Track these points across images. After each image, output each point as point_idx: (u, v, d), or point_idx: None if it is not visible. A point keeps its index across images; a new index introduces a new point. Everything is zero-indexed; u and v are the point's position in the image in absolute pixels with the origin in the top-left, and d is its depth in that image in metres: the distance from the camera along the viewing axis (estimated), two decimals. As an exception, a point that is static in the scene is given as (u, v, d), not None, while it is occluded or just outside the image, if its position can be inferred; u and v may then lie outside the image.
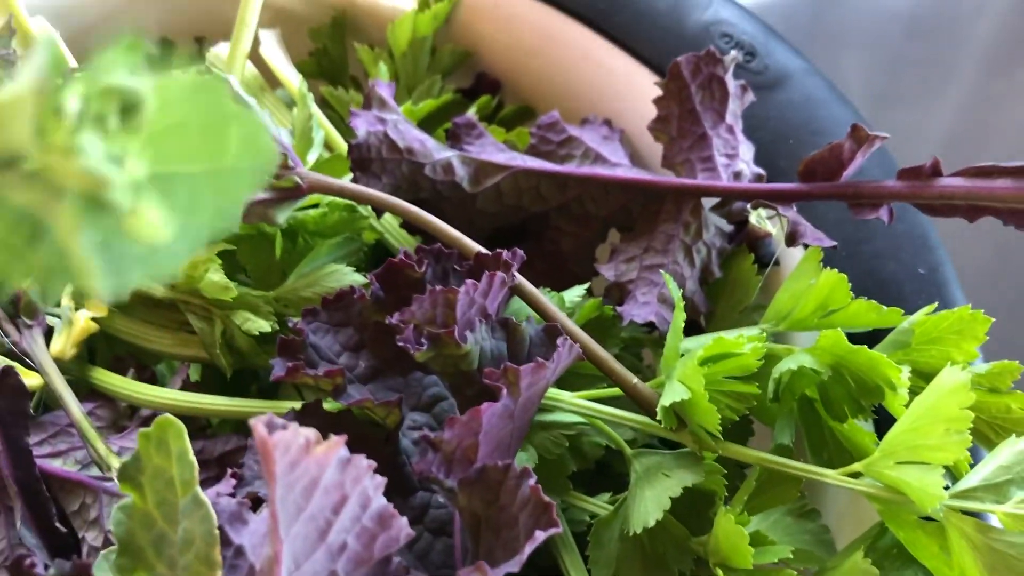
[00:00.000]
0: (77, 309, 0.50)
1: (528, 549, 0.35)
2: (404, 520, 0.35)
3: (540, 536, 0.35)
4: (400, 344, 0.41)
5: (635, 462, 0.44)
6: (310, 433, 0.34)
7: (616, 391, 0.45)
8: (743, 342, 0.39)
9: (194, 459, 0.33)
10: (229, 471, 0.43)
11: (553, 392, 0.45)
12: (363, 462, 0.35)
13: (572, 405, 0.45)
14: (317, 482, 0.35)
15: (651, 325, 0.48)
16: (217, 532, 0.33)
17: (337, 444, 0.34)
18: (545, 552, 0.46)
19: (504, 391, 0.38)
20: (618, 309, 0.48)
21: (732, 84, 0.51)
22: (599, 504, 0.46)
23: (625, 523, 0.42)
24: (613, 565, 0.42)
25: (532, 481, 0.36)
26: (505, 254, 0.44)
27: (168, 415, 0.33)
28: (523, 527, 0.37)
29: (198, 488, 0.33)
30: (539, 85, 0.61)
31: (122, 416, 0.50)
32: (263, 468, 0.34)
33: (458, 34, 0.62)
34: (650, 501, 0.41)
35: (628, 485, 0.44)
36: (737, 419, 0.42)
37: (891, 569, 0.41)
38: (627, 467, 0.45)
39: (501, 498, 0.38)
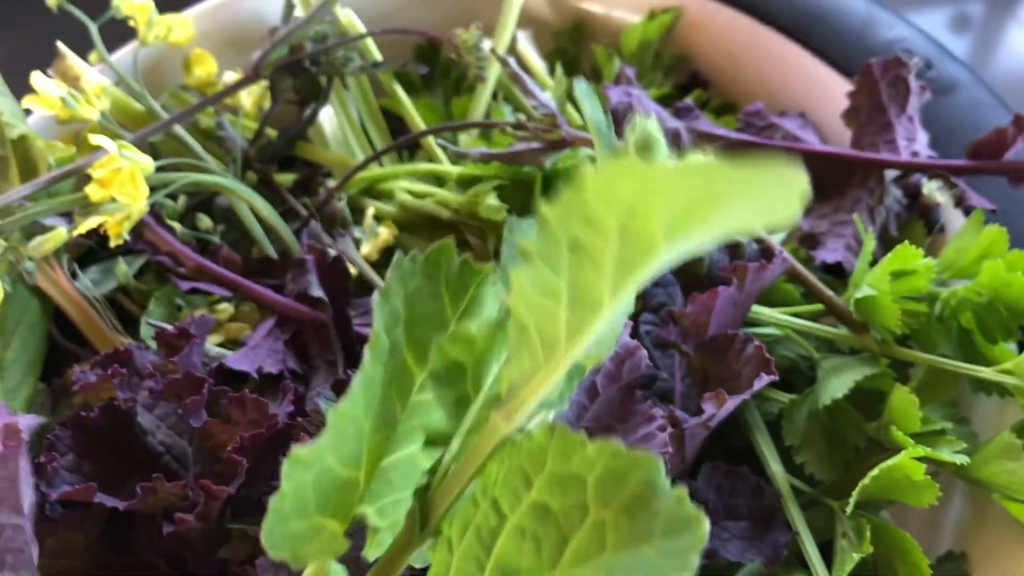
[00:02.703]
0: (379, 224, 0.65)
1: (754, 389, 0.47)
2: (644, 353, 0.48)
3: (764, 379, 0.47)
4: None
5: (822, 363, 0.55)
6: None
7: (807, 308, 0.56)
8: (920, 255, 0.50)
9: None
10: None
11: (756, 308, 0.57)
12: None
13: (772, 318, 0.57)
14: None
15: (838, 267, 0.59)
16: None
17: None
18: (737, 435, 0.57)
19: (734, 282, 0.51)
20: (811, 253, 0.60)
21: (914, 84, 0.63)
22: (788, 397, 0.57)
23: (813, 402, 0.53)
24: (801, 437, 0.53)
25: (756, 343, 0.49)
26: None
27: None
28: (746, 377, 0.49)
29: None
30: (743, 86, 0.74)
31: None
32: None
33: (678, 40, 0.76)
34: (835, 383, 0.52)
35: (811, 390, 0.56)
36: (907, 333, 0.54)
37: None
38: (814, 372, 0.56)
39: (728, 358, 0.50)
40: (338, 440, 0.32)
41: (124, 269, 0.65)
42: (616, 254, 0.24)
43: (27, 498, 0.43)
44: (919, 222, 0.61)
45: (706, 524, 0.28)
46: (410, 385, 0.35)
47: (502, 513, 0.31)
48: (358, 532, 0.34)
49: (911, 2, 1.16)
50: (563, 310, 0.27)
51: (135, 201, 0.56)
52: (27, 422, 0.45)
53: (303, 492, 0.31)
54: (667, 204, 0.22)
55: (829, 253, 0.59)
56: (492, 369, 0.35)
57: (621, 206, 0.23)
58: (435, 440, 0.35)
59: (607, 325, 0.28)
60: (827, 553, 0.52)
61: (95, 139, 0.56)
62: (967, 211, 0.60)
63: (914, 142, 0.61)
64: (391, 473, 0.34)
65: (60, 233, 0.57)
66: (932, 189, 0.61)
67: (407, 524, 0.34)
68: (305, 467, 0.30)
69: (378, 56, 0.73)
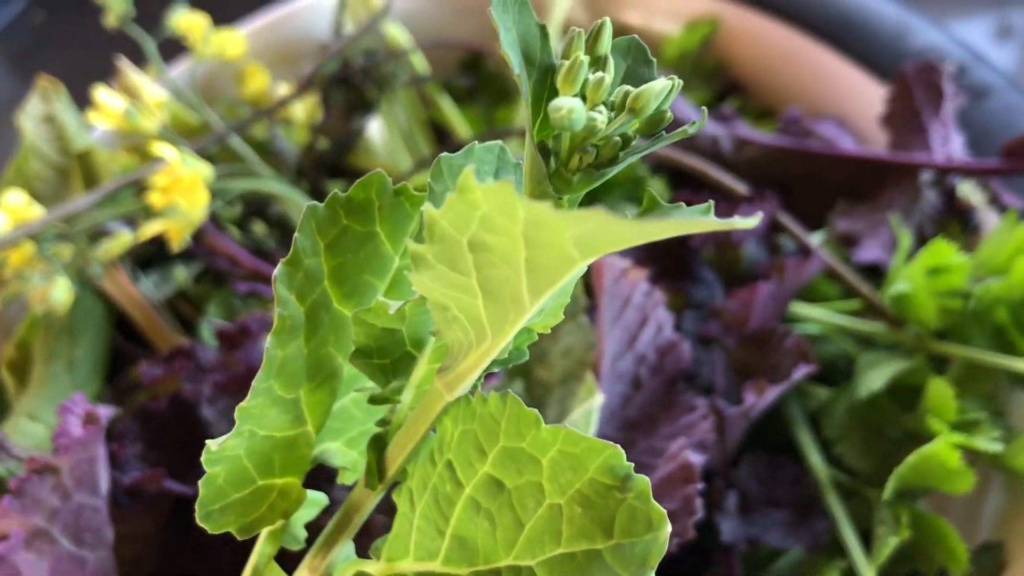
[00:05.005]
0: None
1: (794, 378, 0.49)
2: (687, 345, 0.50)
3: (803, 369, 0.49)
4: (693, 246, 0.55)
5: (861, 357, 0.57)
6: (627, 263, 0.49)
7: (845, 305, 0.58)
8: (953, 251, 0.51)
9: (584, 297, 0.48)
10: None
11: (795, 305, 0.59)
12: (659, 294, 0.50)
13: (811, 315, 0.58)
14: (629, 300, 0.49)
15: (874, 267, 0.61)
16: (593, 341, 0.48)
17: (644, 272, 0.49)
18: (776, 430, 0.59)
19: (773, 278, 0.52)
20: (848, 252, 0.61)
21: (948, 88, 0.64)
22: (827, 391, 0.59)
23: (851, 396, 0.55)
24: (839, 429, 0.55)
25: (795, 335, 0.50)
26: (768, 193, 0.58)
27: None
28: (785, 367, 0.50)
29: (582, 316, 0.48)
30: (779, 92, 0.76)
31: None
32: (594, 283, 0.49)
33: (715, 48, 0.78)
34: (873, 377, 0.54)
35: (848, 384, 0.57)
36: (943, 329, 0.55)
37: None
38: (852, 368, 0.58)
39: (768, 350, 0.51)
40: (261, 413, 0.31)
41: (183, 273, 0.68)
42: (527, 256, 0.23)
43: (104, 481, 0.46)
44: (955, 223, 0.63)
45: (667, 528, 0.25)
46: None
47: (458, 480, 0.29)
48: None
49: (954, 12, 1.17)
50: (480, 302, 0.25)
51: (197, 206, 0.59)
52: (105, 411, 0.48)
53: (238, 463, 0.31)
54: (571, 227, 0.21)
55: (866, 252, 0.61)
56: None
57: (520, 218, 0.21)
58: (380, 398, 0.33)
59: (556, 297, 0.27)
60: (866, 542, 0.53)
61: (160, 148, 0.59)
62: (1002, 211, 0.61)
63: (949, 145, 0.63)
64: (351, 409, 0.34)
65: (126, 237, 0.60)
66: (967, 190, 0.62)
67: (365, 472, 0.32)
68: (239, 438, 0.30)
69: (425, 69, 0.75)
